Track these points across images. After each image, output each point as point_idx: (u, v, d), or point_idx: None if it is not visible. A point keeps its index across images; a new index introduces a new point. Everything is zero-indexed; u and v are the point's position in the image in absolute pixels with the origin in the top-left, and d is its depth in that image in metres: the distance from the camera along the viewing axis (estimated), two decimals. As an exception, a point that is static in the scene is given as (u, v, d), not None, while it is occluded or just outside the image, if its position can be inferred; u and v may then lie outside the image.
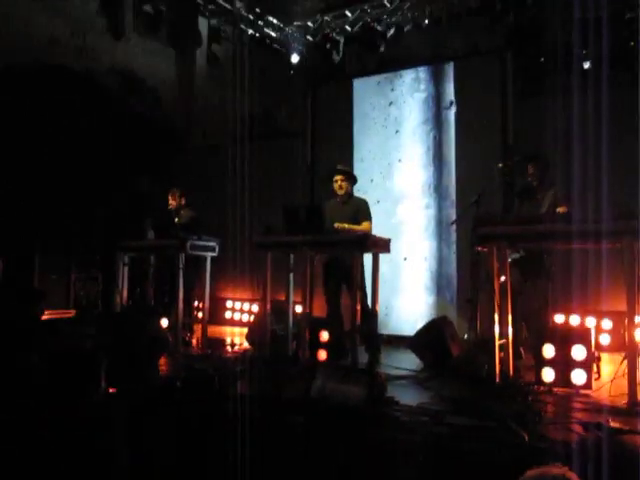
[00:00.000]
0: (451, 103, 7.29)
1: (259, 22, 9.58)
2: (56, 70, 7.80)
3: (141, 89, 9.25)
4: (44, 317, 6.47)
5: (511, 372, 4.35)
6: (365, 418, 3.31)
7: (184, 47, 10.12)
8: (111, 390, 2.62)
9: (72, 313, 6.97)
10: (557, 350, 4.16)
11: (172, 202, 6.69)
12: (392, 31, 8.44)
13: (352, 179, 5.75)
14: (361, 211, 5.59)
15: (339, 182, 5.64)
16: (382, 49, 8.43)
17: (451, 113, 7.29)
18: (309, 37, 9.35)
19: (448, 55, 7.72)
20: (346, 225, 5.35)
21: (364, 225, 5.50)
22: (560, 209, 4.67)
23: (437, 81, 7.46)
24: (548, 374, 4.14)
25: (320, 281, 5.79)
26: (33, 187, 7.31)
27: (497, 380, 4.27)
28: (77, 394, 2.44)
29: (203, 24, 10.08)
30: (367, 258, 5.33)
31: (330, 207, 5.71)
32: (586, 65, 7.53)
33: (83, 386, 2.44)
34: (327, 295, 5.65)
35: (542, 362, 4.20)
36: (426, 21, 8.23)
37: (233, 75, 10.73)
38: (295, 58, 9.37)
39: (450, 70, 7.39)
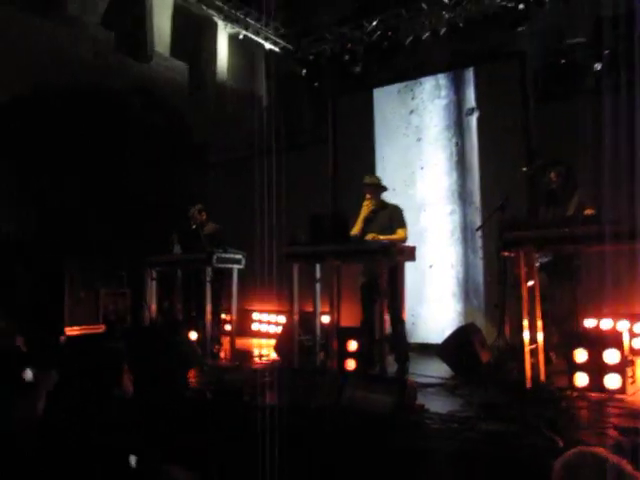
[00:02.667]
0: (472, 110, 7.27)
1: (278, 35, 9.69)
2: (79, 91, 7.96)
3: (163, 106, 9.39)
4: (74, 332, 6.59)
5: (542, 377, 4.30)
6: (395, 426, 3.30)
7: (203, 62, 10.26)
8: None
9: (101, 328, 7.07)
10: (589, 354, 4.10)
11: (194, 218, 6.74)
12: (410, 39, 8.47)
13: (379, 189, 5.71)
14: (395, 219, 5.53)
15: (367, 195, 5.65)
16: (401, 58, 8.45)
17: (473, 119, 7.27)
18: (327, 48, 9.41)
19: (468, 61, 7.69)
20: (381, 236, 5.27)
21: (399, 233, 5.42)
22: (587, 211, 4.61)
23: (457, 87, 7.44)
24: (581, 379, 4.08)
25: (349, 290, 5.79)
26: (60, 204, 7.45)
27: (528, 386, 4.23)
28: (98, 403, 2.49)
29: (221, 39, 10.22)
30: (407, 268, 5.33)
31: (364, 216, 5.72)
32: (598, 66, 7.45)
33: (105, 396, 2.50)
34: (363, 303, 5.63)
35: (574, 367, 4.15)
36: (444, 28, 8.25)
37: (253, 90, 10.87)
38: (315, 70, 9.44)
39: (470, 76, 7.37)
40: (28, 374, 2.55)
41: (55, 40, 7.95)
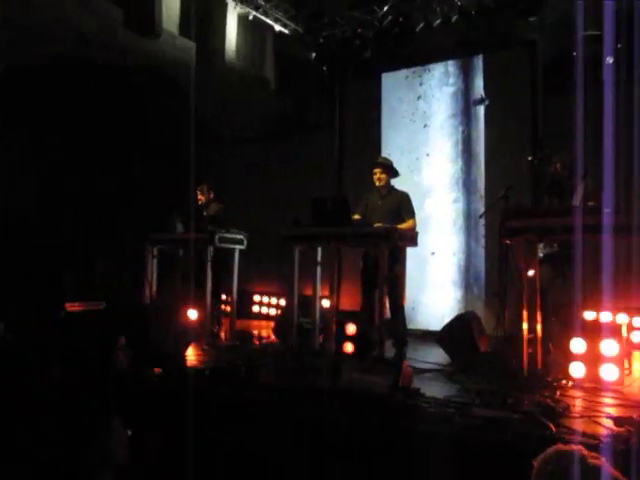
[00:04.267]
0: (482, 99, 7.21)
1: (288, 19, 9.61)
2: (86, 66, 7.92)
3: (170, 86, 9.34)
4: (74, 308, 6.61)
5: (539, 367, 4.31)
6: (391, 408, 3.31)
7: (212, 43, 10.18)
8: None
9: (101, 305, 7.10)
10: (587, 345, 4.10)
11: (201, 197, 6.76)
12: (421, 26, 8.38)
13: (391, 172, 5.64)
14: (404, 206, 5.46)
15: (377, 174, 5.56)
16: (411, 44, 8.38)
17: (480, 107, 7.23)
18: (338, 33, 9.33)
19: (477, 49, 7.63)
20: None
21: (409, 222, 5.36)
22: (589, 202, 4.58)
23: (466, 75, 7.40)
24: (577, 369, 4.08)
25: (350, 274, 5.77)
26: (62, 181, 7.45)
27: (525, 375, 4.23)
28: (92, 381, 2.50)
29: (231, 21, 10.13)
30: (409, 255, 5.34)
31: (370, 200, 5.67)
32: (610, 60, 7.37)
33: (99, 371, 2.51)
34: (363, 288, 5.62)
35: (571, 357, 4.15)
36: (456, 15, 8.16)
37: (261, 72, 10.80)
38: (324, 54, 9.37)
39: (479, 64, 7.32)
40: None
41: (62, 13, 7.88)
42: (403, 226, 5.29)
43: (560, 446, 1.49)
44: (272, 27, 10.05)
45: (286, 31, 9.96)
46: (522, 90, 6.90)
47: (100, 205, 7.68)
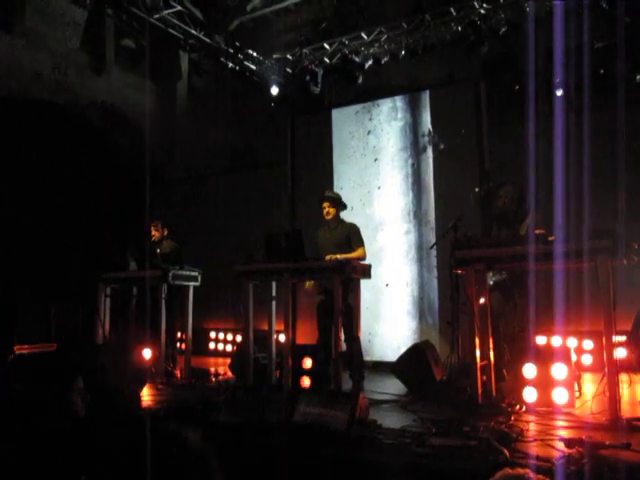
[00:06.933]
0: (435, 136, 7.37)
1: (239, 55, 9.73)
2: (38, 104, 7.84)
3: (122, 122, 9.31)
4: (23, 351, 6.40)
5: (494, 393, 4.38)
6: (348, 441, 3.30)
7: (165, 81, 10.22)
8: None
9: (53, 347, 6.89)
10: (538, 370, 4.19)
11: (155, 234, 6.70)
12: (370, 62, 8.62)
13: (339, 205, 5.72)
14: (353, 236, 5.55)
15: (326, 208, 5.65)
16: (360, 80, 8.59)
17: (429, 140, 7.42)
18: (289, 70, 9.51)
19: (424, 84, 7.89)
20: (338, 256, 5.22)
21: (358, 251, 5.45)
22: (537, 231, 4.73)
23: (414, 109, 7.61)
24: (530, 394, 4.16)
25: (306, 308, 5.78)
26: (11, 220, 7.27)
27: (479, 401, 4.29)
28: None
29: (183, 58, 10.21)
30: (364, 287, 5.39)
31: (321, 234, 5.74)
32: (558, 92, 7.75)
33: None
34: (319, 321, 5.62)
35: (524, 382, 4.23)
36: (403, 52, 8.43)
37: (214, 108, 10.86)
38: (275, 90, 9.51)
39: (426, 98, 7.55)
40: None
41: (12, 52, 7.81)
42: (353, 255, 5.38)
43: (507, 470, 1.53)
44: (224, 64, 10.14)
45: (238, 68, 10.07)
46: (467, 123, 7.13)
47: (50, 245, 7.52)
